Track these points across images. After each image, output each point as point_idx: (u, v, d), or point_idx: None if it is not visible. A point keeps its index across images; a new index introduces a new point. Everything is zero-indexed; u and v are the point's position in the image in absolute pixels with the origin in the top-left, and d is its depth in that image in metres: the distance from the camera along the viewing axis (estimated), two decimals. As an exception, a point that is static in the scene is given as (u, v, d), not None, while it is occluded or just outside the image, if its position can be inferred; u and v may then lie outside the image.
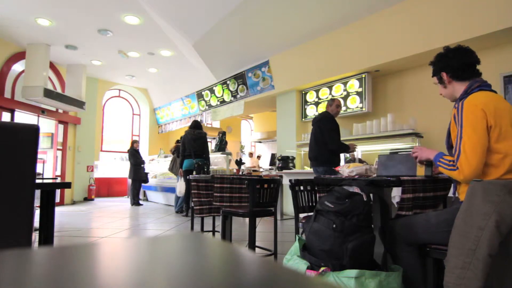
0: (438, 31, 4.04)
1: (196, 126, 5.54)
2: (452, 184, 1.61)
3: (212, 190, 3.00)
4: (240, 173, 5.86)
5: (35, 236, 2.45)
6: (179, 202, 5.86)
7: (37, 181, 1.57)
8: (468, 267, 1.16)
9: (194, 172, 4.98)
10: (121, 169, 9.33)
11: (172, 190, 6.94)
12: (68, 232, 4.07)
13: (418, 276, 1.46)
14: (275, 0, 4.55)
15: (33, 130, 0.91)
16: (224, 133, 6.84)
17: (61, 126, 7.81)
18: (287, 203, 5.54)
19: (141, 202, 7.57)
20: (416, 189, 1.57)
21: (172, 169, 6.47)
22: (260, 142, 12.78)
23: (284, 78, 6.18)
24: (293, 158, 5.63)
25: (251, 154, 11.36)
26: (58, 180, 7.38)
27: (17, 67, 6.69)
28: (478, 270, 1.13)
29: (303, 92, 6.20)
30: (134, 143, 7.40)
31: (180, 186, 5.37)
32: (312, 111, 6.04)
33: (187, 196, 5.32)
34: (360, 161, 5.88)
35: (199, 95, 8.36)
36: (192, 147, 5.25)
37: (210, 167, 6.22)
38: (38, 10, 5.21)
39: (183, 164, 5.32)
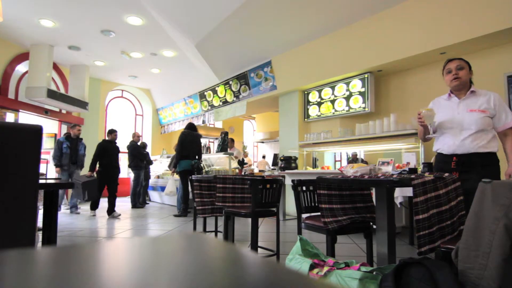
0: (440, 31, 4.02)
1: (194, 127, 5.60)
2: None
3: (215, 191, 3.01)
4: (243, 173, 5.87)
5: (39, 235, 2.46)
6: (177, 205, 5.86)
7: (41, 181, 1.58)
8: (485, 269, 1.15)
9: (195, 173, 5.02)
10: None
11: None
12: (71, 232, 4.09)
13: None
14: (277, 0, 4.55)
15: (36, 131, 0.91)
16: (226, 133, 6.84)
17: (64, 127, 7.86)
18: (289, 203, 5.54)
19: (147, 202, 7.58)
20: (427, 190, 1.56)
21: (170, 166, 6.48)
22: (262, 142, 12.79)
23: (287, 78, 6.18)
24: (296, 158, 5.62)
25: (264, 157, 11.10)
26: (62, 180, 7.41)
27: (21, 68, 6.74)
28: (494, 272, 1.13)
29: (306, 92, 6.19)
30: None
31: (171, 185, 5.42)
32: (314, 111, 6.03)
33: (185, 196, 5.35)
34: (363, 161, 5.87)
35: (202, 96, 8.37)
36: (192, 148, 5.32)
37: (213, 167, 6.25)
38: (41, 11, 5.24)
39: (181, 164, 5.31)
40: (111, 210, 5.42)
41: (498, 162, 2.08)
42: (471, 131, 2.06)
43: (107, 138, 5.79)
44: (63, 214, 5.66)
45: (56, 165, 5.69)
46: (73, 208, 5.82)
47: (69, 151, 5.71)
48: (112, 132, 5.78)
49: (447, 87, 2.24)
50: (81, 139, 6.05)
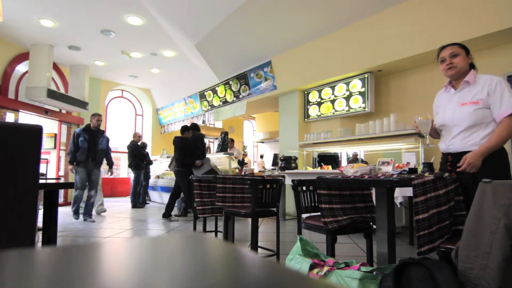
0: (440, 31, 4.02)
1: (197, 127, 5.59)
2: None
3: (215, 191, 3.01)
4: (243, 173, 5.86)
5: (39, 236, 2.46)
6: (177, 205, 5.83)
7: (41, 181, 1.58)
8: (485, 269, 1.15)
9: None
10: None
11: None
12: (71, 232, 4.09)
13: None
14: (277, 0, 4.55)
15: (37, 131, 0.91)
16: (226, 133, 6.85)
17: (64, 127, 7.85)
18: (289, 203, 5.54)
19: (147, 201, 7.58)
20: (427, 190, 1.56)
21: (170, 166, 6.48)
22: (262, 142, 12.78)
23: (287, 78, 6.18)
24: (296, 158, 5.62)
25: (261, 156, 11.16)
26: (62, 180, 7.41)
27: (21, 67, 6.73)
28: (494, 272, 1.13)
29: (306, 92, 6.19)
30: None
31: None
32: (314, 111, 6.03)
33: (188, 196, 5.34)
34: (363, 161, 5.87)
35: (202, 96, 8.37)
36: (195, 148, 5.30)
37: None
38: (41, 11, 5.24)
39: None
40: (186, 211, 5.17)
41: (499, 160, 1.78)
42: (462, 127, 1.85)
43: (182, 136, 5.18)
44: (64, 214, 5.65)
45: (70, 161, 4.81)
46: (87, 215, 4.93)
47: (87, 144, 4.82)
48: (188, 129, 5.14)
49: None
50: (103, 131, 5.21)
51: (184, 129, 5.29)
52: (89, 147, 4.84)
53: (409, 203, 3.62)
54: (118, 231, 4.19)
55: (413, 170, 2.19)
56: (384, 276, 1.34)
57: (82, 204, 5.08)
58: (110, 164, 5.26)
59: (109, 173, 5.43)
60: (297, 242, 1.77)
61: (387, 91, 5.32)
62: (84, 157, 4.80)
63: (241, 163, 6.20)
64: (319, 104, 5.95)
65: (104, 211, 5.66)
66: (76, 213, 4.94)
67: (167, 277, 0.24)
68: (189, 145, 5.16)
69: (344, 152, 6.49)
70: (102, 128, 7.62)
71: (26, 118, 6.75)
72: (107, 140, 5.19)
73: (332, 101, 5.70)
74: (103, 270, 0.27)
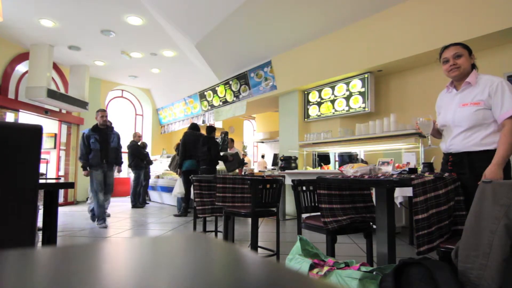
0: (440, 31, 4.02)
1: (196, 127, 5.57)
2: None
3: (214, 190, 3.01)
4: (243, 173, 5.86)
5: (39, 236, 2.46)
6: (177, 205, 5.82)
7: (41, 181, 1.58)
8: (484, 269, 1.15)
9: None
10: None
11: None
12: (71, 232, 4.09)
13: None
14: (277, 0, 4.55)
15: (37, 131, 0.91)
16: (226, 133, 6.85)
17: (64, 127, 7.85)
18: (289, 203, 5.54)
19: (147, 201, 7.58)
20: (427, 190, 1.56)
21: (170, 166, 6.49)
22: (262, 142, 12.78)
23: (287, 78, 6.18)
24: (296, 158, 5.62)
25: (263, 156, 11.17)
26: (62, 180, 7.40)
27: (21, 67, 6.73)
28: (494, 272, 1.13)
29: (306, 92, 6.19)
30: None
31: (180, 186, 5.41)
32: (314, 111, 6.03)
33: (187, 196, 5.35)
34: (363, 161, 5.86)
35: (202, 96, 8.37)
36: (194, 148, 5.31)
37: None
38: (41, 11, 5.24)
39: (185, 164, 5.32)
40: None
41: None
42: (463, 128, 1.86)
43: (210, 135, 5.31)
44: (64, 214, 5.65)
45: (83, 167, 4.39)
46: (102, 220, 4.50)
47: (99, 145, 4.39)
48: (215, 130, 5.45)
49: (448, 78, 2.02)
50: (113, 128, 4.74)
51: (213, 129, 5.48)
52: (102, 148, 4.41)
53: (409, 203, 3.62)
54: (118, 231, 4.19)
55: (413, 170, 2.19)
56: (384, 276, 1.34)
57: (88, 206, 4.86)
58: (119, 162, 4.78)
59: (117, 171, 4.98)
60: (297, 242, 1.77)
61: (387, 91, 5.32)
62: (98, 159, 4.37)
63: (241, 163, 6.20)
64: (319, 104, 5.95)
65: (107, 216, 5.21)
66: (102, 218, 4.44)
67: (167, 277, 0.24)
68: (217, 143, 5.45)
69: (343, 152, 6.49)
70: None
71: (26, 118, 6.74)
72: (118, 136, 4.70)
73: (332, 101, 5.70)
74: (103, 270, 0.27)
